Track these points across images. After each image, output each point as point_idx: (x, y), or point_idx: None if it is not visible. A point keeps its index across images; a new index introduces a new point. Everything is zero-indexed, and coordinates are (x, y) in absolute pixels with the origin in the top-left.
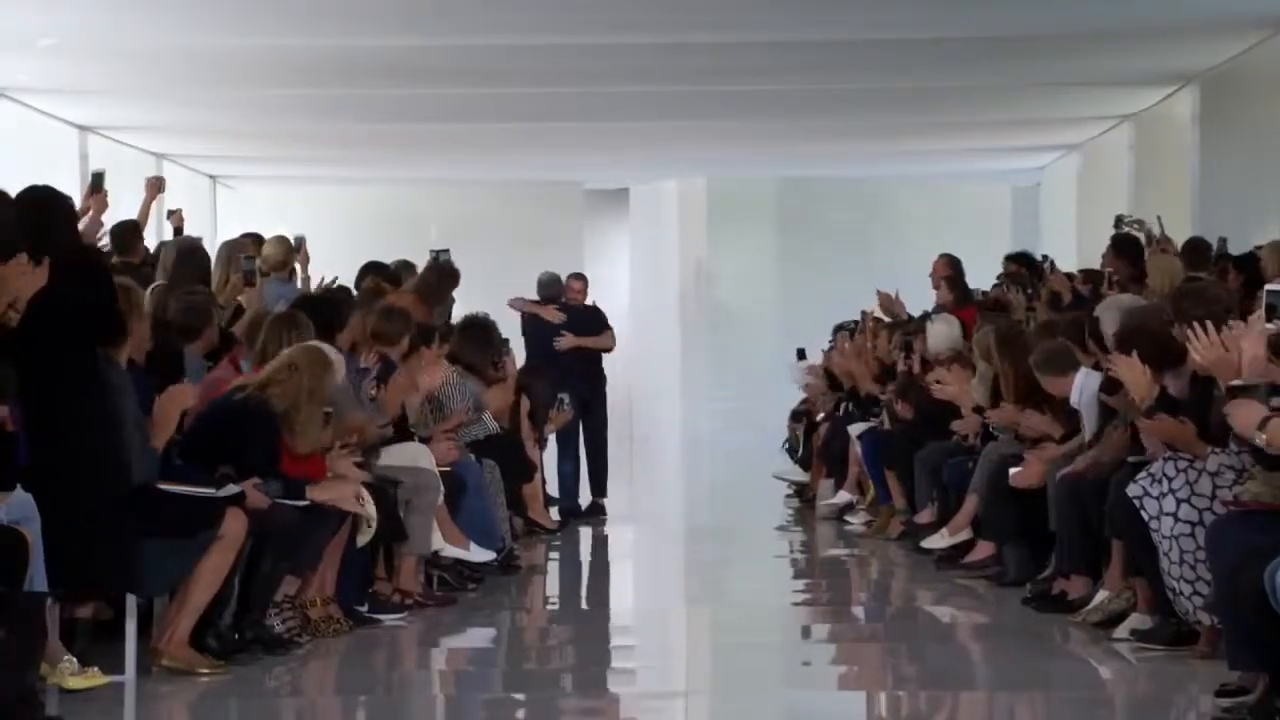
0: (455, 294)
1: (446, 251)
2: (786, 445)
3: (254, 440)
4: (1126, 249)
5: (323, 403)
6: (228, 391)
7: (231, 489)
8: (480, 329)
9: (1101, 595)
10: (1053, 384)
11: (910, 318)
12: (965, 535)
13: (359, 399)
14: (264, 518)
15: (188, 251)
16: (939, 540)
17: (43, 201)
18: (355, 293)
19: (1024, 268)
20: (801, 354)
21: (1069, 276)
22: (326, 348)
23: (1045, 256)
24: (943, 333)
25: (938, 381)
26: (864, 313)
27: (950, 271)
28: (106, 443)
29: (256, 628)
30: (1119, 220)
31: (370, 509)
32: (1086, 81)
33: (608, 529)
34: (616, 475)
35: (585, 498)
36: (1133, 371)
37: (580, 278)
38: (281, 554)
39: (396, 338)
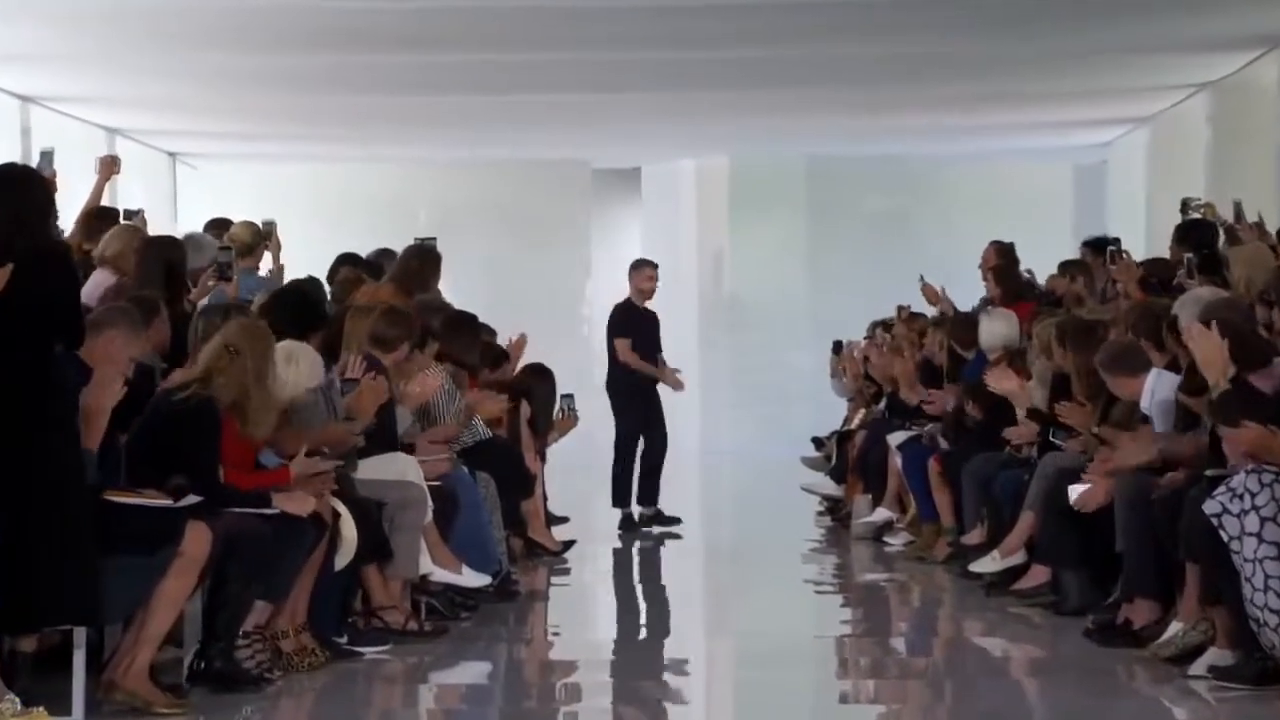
0: (445, 286)
1: (433, 240)
2: (829, 462)
3: (199, 445)
4: (1192, 237)
5: (272, 383)
6: (165, 392)
7: (191, 499)
8: (466, 321)
9: (1175, 627)
10: (1121, 384)
11: (962, 314)
12: (1019, 558)
13: (333, 408)
14: (231, 529)
15: (156, 243)
16: (989, 564)
17: (17, 183)
18: (328, 287)
19: (1097, 254)
20: (838, 348)
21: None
22: (302, 348)
23: (1113, 240)
24: (999, 331)
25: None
26: (900, 308)
27: (999, 261)
28: (61, 451)
29: (224, 658)
30: (1185, 204)
31: (349, 527)
32: (1158, 46)
33: (617, 550)
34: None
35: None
36: (1209, 345)
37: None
38: (251, 570)
39: (397, 342)
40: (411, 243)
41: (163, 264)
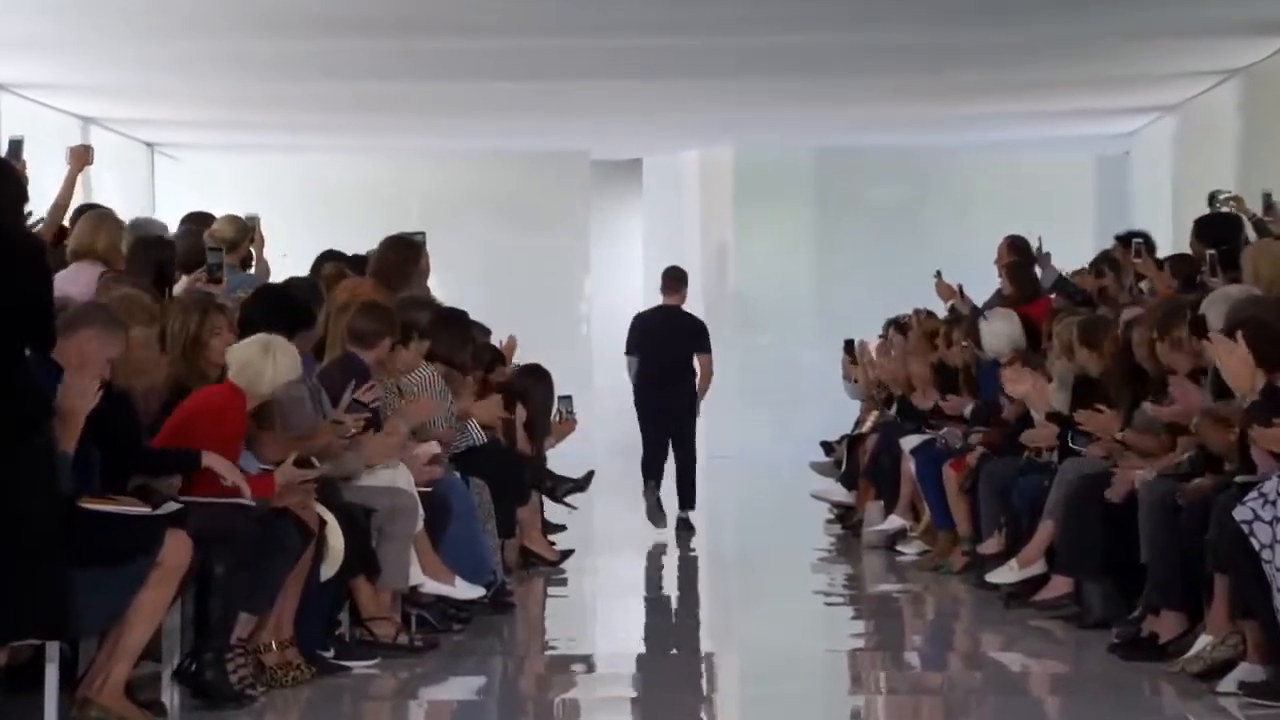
0: (438, 282)
1: (421, 234)
2: (839, 468)
3: (118, 431)
4: (1211, 232)
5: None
6: None
7: (171, 506)
8: (455, 319)
9: (1203, 640)
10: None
11: (977, 310)
12: (1038, 568)
13: (321, 411)
14: (208, 532)
15: (145, 242)
16: (1007, 574)
17: None
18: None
19: (1127, 249)
20: (850, 347)
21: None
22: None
23: (1140, 234)
24: (1002, 331)
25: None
26: (916, 311)
27: (1013, 258)
28: (31, 458)
29: (215, 668)
30: (1212, 198)
31: (336, 536)
32: (1185, 31)
33: (618, 560)
34: (627, 497)
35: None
36: (1233, 357)
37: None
38: (235, 568)
39: (376, 338)
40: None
41: (153, 264)
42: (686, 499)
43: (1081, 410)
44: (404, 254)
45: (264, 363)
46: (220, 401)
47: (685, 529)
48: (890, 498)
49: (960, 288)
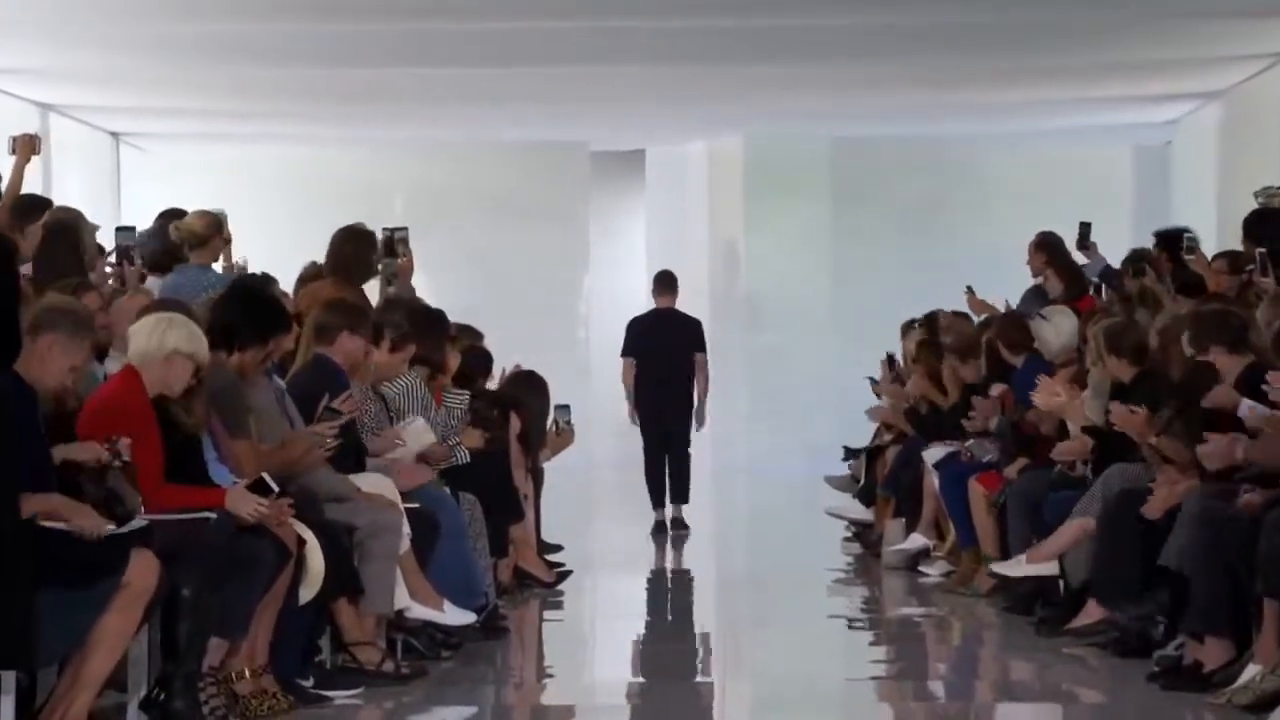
0: (428, 281)
1: (403, 230)
2: (857, 483)
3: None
4: (1259, 229)
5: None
6: None
7: (138, 523)
8: (430, 317)
9: (1251, 670)
10: None
11: (1012, 312)
12: (1049, 569)
13: (288, 418)
14: (172, 547)
15: (59, 227)
16: (1014, 567)
17: None
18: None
19: (1165, 249)
20: (892, 362)
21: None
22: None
23: (1183, 232)
24: (1067, 329)
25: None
26: (944, 313)
27: (1048, 256)
28: None
29: (186, 696)
30: (1258, 195)
31: (315, 556)
32: (1230, 11)
33: (619, 581)
34: (632, 511)
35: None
36: None
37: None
38: (206, 581)
39: (335, 331)
40: (381, 233)
41: (74, 250)
42: (679, 494)
43: (1116, 404)
44: (359, 244)
45: (165, 337)
46: (119, 390)
47: (679, 526)
48: (912, 514)
49: (1006, 303)
